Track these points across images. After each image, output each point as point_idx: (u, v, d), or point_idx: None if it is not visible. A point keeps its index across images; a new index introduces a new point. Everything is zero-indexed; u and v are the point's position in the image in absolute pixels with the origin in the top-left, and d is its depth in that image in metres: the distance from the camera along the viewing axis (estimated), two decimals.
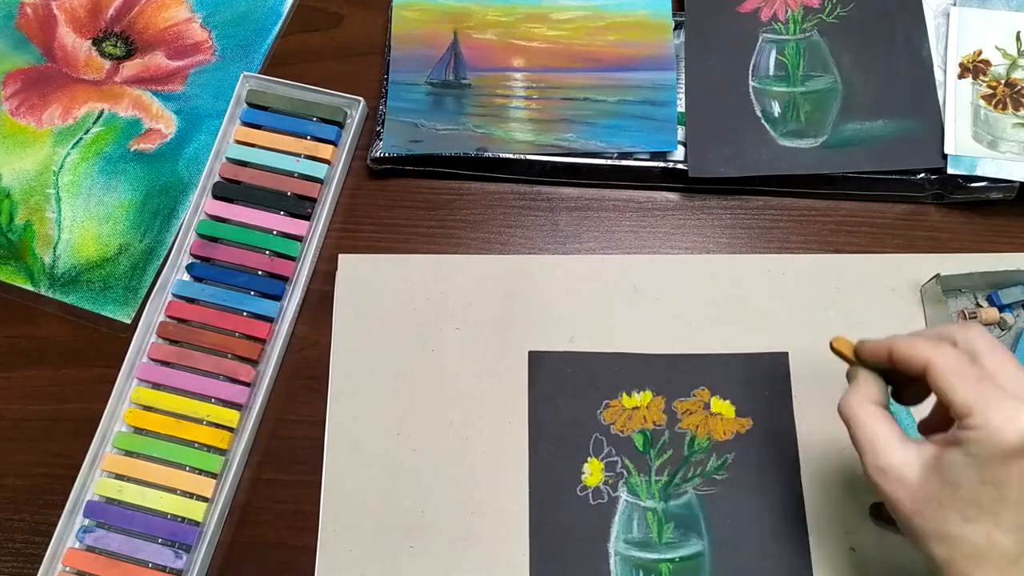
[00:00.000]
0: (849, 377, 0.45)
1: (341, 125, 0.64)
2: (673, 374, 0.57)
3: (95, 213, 0.63)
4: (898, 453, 0.41)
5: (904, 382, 0.45)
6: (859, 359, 0.45)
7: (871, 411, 0.43)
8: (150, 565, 0.53)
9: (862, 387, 0.44)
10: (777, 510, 0.54)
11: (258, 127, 0.63)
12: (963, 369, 0.40)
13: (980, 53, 0.63)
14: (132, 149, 0.65)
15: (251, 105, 0.64)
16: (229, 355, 0.58)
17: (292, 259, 0.60)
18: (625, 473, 0.55)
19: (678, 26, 0.66)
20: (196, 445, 0.56)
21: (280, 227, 0.61)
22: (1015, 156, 0.60)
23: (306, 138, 0.63)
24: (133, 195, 0.64)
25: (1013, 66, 0.63)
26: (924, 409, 0.46)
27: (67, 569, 0.53)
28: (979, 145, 0.60)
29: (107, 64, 0.68)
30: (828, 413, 0.56)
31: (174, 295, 0.59)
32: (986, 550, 0.39)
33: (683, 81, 0.64)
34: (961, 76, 0.63)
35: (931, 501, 0.40)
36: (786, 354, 0.58)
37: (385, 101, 0.64)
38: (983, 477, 0.38)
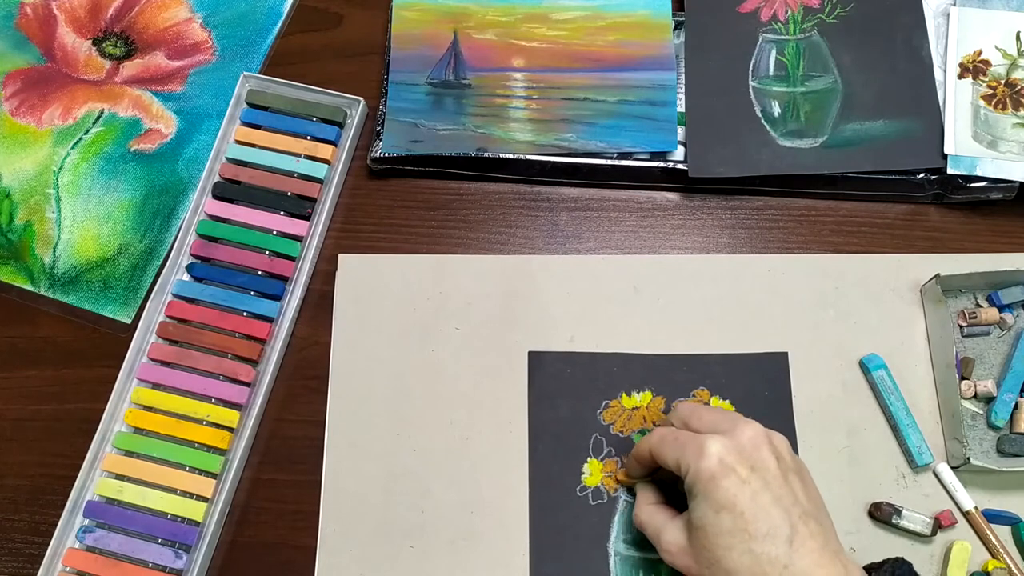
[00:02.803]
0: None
1: (341, 125, 0.64)
2: (673, 374, 0.57)
3: (95, 213, 0.63)
4: (669, 531, 0.47)
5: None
6: (630, 478, 0.53)
7: (649, 511, 0.49)
8: (150, 565, 0.53)
9: (640, 496, 0.51)
10: None
11: (258, 127, 0.63)
12: (668, 436, 0.47)
13: (980, 53, 0.63)
14: (132, 149, 0.65)
15: (251, 105, 0.64)
16: (229, 355, 0.58)
17: (292, 259, 0.60)
18: None
19: (678, 26, 0.66)
20: (196, 445, 0.56)
21: (280, 227, 0.61)
22: (1015, 156, 0.60)
23: (306, 138, 0.63)
24: (133, 195, 0.64)
25: (1013, 66, 0.63)
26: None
27: (67, 569, 0.53)
28: (979, 145, 0.60)
29: (107, 64, 0.68)
30: (828, 413, 0.57)
31: (174, 295, 0.59)
32: (757, 566, 0.43)
33: (683, 81, 0.64)
34: (961, 76, 0.63)
35: (701, 551, 0.44)
36: (786, 354, 0.58)
37: (385, 101, 0.64)
38: (714, 507, 0.44)
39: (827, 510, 0.46)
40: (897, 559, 0.48)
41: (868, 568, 0.49)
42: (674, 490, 0.48)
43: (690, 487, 0.45)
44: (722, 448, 0.44)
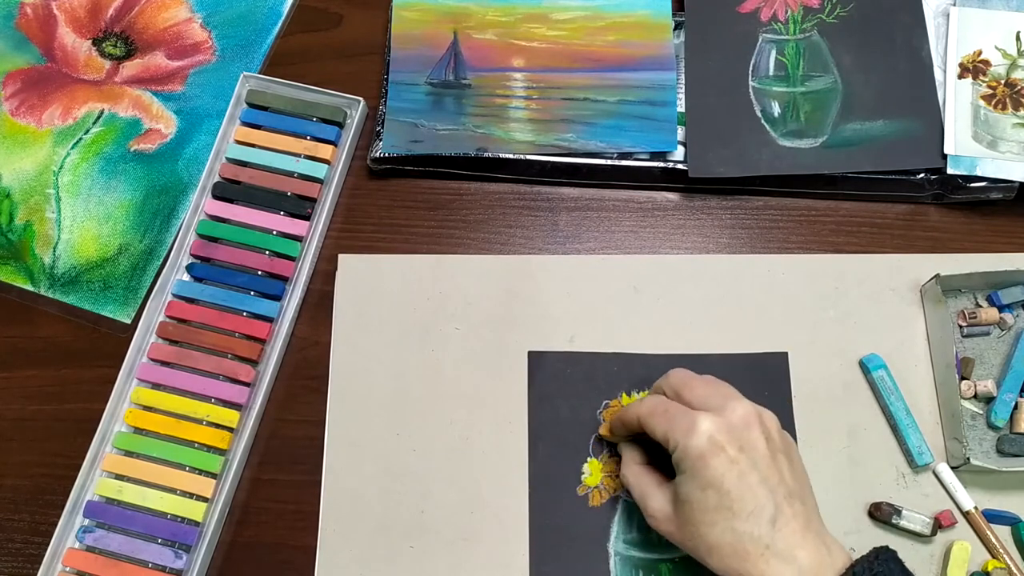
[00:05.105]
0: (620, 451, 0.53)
1: (341, 125, 0.64)
2: None
3: (95, 213, 0.63)
4: (656, 497, 0.48)
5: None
6: (615, 435, 0.53)
7: (636, 472, 0.50)
8: (150, 565, 0.53)
9: (626, 455, 0.52)
10: None
11: (258, 127, 0.63)
12: (658, 408, 0.47)
13: (980, 53, 0.63)
14: (132, 149, 0.65)
15: (251, 105, 0.64)
16: (229, 355, 0.58)
17: (292, 259, 0.60)
18: None
19: (678, 26, 0.66)
20: (196, 445, 0.56)
21: (280, 227, 0.61)
22: (1015, 156, 0.60)
23: (306, 138, 0.63)
24: (133, 195, 0.64)
25: (1013, 66, 0.63)
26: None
27: (67, 569, 0.53)
28: (979, 145, 0.61)
29: (107, 64, 0.68)
30: (827, 413, 0.57)
31: (174, 295, 0.59)
32: (739, 544, 0.43)
33: (683, 81, 0.64)
34: (961, 76, 0.63)
35: (685, 524, 0.45)
36: (786, 354, 0.58)
37: (385, 101, 0.64)
38: (700, 484, 0.44)
39: (812, 489, 0.47)
40: (882, 547, 0.47)
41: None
42: (659, 449, 0.49)
43: (678, 462, 0.46)
44: (712, 426, 0.44)
